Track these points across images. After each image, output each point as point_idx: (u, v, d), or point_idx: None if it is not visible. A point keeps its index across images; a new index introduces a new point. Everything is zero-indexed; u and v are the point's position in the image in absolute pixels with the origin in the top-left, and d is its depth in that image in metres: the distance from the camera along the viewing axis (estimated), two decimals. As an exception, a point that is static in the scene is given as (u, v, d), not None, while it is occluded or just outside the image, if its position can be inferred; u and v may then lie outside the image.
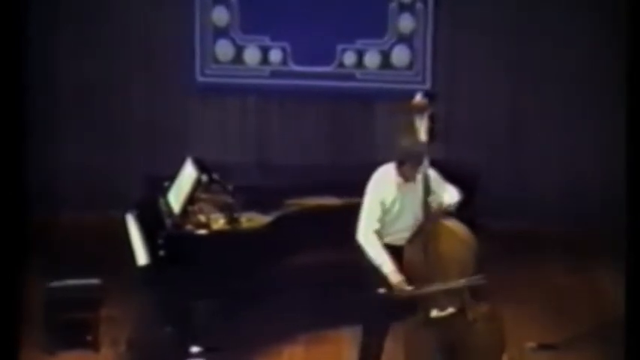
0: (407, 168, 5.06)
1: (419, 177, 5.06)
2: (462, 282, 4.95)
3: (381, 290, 4.94)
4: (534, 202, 7.64)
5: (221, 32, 7.90)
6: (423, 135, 5.13)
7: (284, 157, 7.79)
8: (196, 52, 7.91)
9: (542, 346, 5.16)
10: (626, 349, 4.14)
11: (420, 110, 5.20)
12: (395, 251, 5.09)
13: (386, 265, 5.02)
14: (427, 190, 5.05)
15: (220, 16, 7.89)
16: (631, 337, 4.10)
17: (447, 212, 5.10)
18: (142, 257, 5.64)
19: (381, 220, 5.12)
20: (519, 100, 7.76)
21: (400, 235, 5.12)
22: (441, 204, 5.07)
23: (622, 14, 6.36)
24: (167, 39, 7.85)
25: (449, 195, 5.16)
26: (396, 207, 5.13)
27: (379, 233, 5.13)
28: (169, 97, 7.94)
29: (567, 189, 7.69)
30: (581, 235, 7.41)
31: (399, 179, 5.11)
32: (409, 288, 4.96)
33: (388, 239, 5.16)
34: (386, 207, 5.12)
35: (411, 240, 5.08)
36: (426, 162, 5.06)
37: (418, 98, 5.28)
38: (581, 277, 6.87)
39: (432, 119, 5.17)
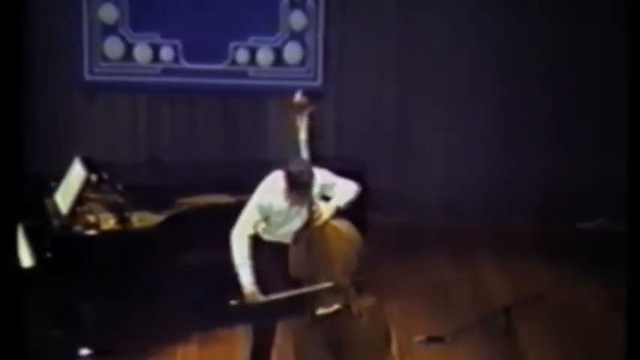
0: (295, 195, 4.99)
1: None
2: (309, 288, 5.00)
3: (233, 302, 4.98)
4: (420, 197, 7.78)
5: (110, 29, 7.78)
6: (303, 134, 5.14)
7: (176, 156, 7.72)
8: (84, 50, 7.76)
9: (431, 339, 5.27)
10: (628, 351, 4.26)
11: (300, 109, 5.19)
12: (282, 249, 5.11)
13: (244, 274, 5.05)
14: (311, 200, 5.04)
15: (109, 13, 7.76)
16: (632, 337, 4.21)
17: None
18: (26, 259, 5.52)
19: (256, 227, 5.12)
20: (408, 97, 7.89)
21: (287, 237, 5.14)
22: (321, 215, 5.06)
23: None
24: (54, 36, 7.69)
25: (341, 192, 5.14)
26: (281, 216, 5.14)
27: (252, 238, 5.13)
28: (57, 96, 7.77)
29: (451, 185, 7.86)
30: (464, 229, 7.58)
31: (288, 199, 5.06)
32: (262, 298, 5.00)
33: (275, 238, 5.19)
34: (271, 214, 5.12)
35: (295, 239, 5.10)
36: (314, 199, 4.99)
37: (298, 97, 5.27)
38: (464, 270, 7.03)
39: (312, 118, 5.18)
